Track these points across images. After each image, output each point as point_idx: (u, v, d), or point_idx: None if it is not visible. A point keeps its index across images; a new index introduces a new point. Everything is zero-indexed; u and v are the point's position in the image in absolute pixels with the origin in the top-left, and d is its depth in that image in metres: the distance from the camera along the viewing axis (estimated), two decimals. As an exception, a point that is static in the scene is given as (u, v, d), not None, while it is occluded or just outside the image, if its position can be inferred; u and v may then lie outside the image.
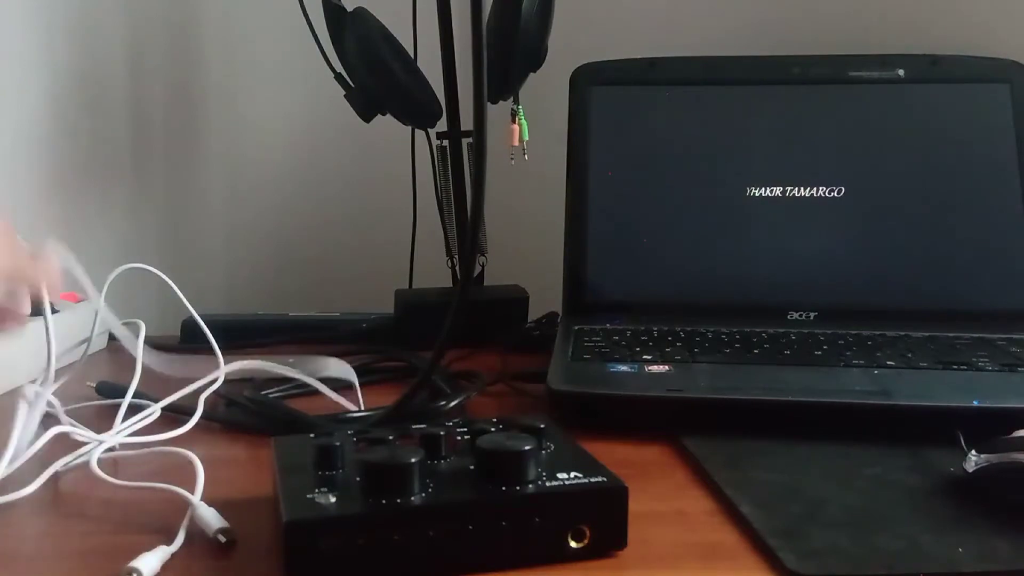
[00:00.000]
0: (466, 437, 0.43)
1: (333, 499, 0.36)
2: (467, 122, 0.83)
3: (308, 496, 0.36)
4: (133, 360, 0.60)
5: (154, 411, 0.58)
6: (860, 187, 0.77)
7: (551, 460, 0.40)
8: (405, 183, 0.93)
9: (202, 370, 0.61)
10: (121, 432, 0.54)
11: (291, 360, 0.64)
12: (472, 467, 0.39)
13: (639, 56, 0.81)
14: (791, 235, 0.77)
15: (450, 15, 0.83)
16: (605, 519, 0.38)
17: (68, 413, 0.57)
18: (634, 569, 0.38)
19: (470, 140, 0.84)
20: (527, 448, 0.38)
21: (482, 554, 0.36)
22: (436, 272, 0.92)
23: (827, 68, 0.80)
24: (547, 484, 0.38)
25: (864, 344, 0.65)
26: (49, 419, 0.54)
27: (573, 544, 0.37)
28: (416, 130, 0.90)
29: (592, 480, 0.38)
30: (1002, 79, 0.78)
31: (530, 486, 0.37)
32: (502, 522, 0.36)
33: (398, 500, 0.36)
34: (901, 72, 0.79)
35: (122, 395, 0.59)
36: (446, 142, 0.87)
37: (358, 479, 0.38)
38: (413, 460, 0.36)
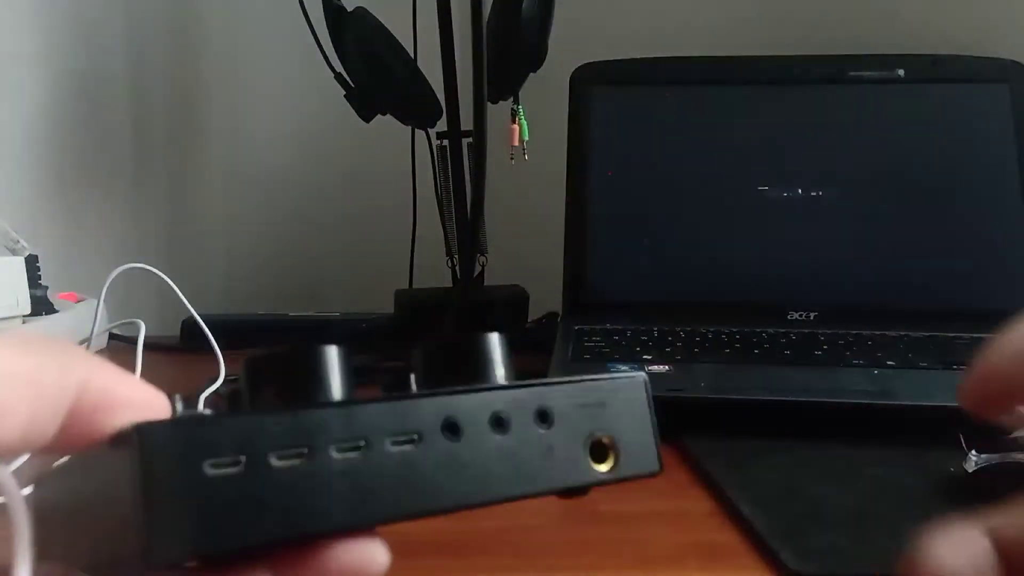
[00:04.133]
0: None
1: None
2: (467, 122, 0.83)
3: None
4: (133, 360, 0.60)
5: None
6: (860, 187, 0.77)
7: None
8: (405, 183, 0.93)
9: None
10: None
11: None
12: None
13: (639, 56, 0.81)
14: (791, 235, 0.77)
15: (450, 15, 0.83)
16: (628, 426, 0.27)
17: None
18: (634, 569, 0.38)
19: (470, 140, 0.84)
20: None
21: (479, 479, 0.23)
22: (436, 272, 0.92)
23: (827, 68, 0.79)
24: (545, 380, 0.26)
25: (864, 344, 0.65)
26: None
27: (597, 467, 0.25)
28: (416, 130, 0.90)
29: (601, 376, 0.26)
30: (1002, 79, 0.77)
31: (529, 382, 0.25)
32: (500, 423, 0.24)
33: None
34: (901, 72, 0.79)
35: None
36: (446, 142, 0.87)
37: None
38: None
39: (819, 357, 0.63)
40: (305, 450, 0.20)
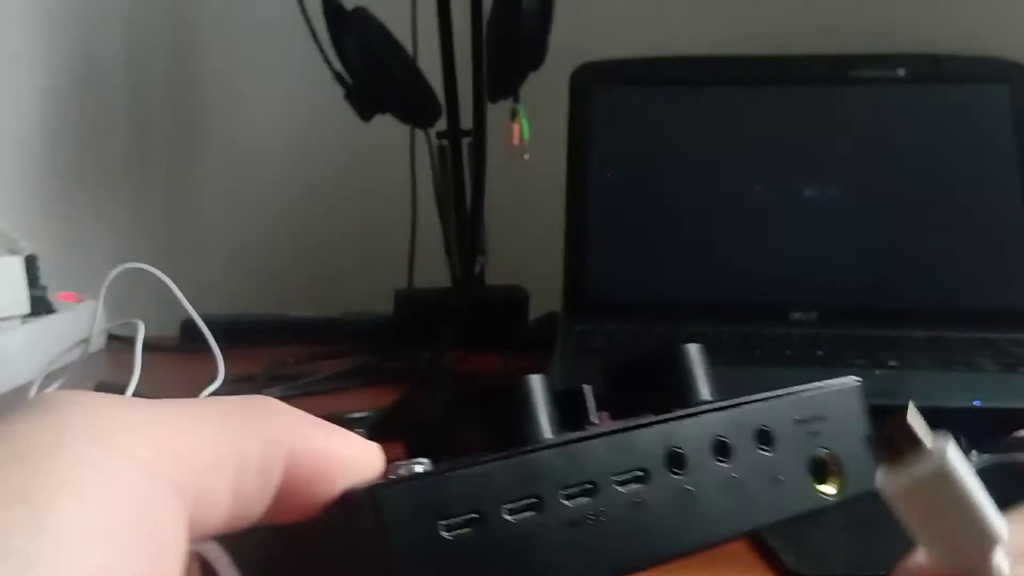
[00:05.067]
0: None
1: None
2: (467, 122, 0.83)
3: None
4: (132, 360, 0.60)
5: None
6: (860, 187, 0.77)
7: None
8: (405, 183, 0.93)
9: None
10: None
11: None
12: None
13: (639, 56, 0.81)
14: (792, 235, 0.76)
15: (450, 15, 0.83)
16: (847, 439, 0.24)
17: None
18: (635, 569, 0.38)
19: (470, 140, 0.84)
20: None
21: (710, 515, 0.21)
22: (436, 272, 0.91)
23: (827, 68, 0.79)
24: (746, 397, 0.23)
25: (865, 344, 0.65)
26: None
27: (822, 489, 0.23)
28: (416, 129, 0.90)
29: (814, 386, 0.24)
30: (1002, 79, 0.77)
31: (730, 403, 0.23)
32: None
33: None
34: (901, 72, 0.78)
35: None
36: (446, 142, 0.87)
37: None
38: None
39: (820, 357, 0.63)
40: (535, 500, 0.18)
